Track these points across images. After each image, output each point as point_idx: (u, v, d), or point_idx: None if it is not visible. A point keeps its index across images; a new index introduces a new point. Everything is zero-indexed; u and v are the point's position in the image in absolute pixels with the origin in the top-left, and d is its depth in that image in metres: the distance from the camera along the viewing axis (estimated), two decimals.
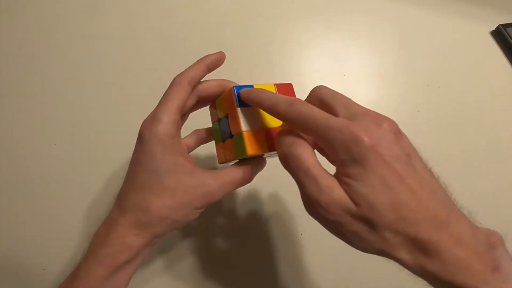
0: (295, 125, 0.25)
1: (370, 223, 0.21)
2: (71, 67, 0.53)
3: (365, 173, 0.21)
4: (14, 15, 0.57)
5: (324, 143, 0.23)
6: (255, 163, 0.31)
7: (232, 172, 0.29)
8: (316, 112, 0.23)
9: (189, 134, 0.35)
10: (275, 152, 0.28)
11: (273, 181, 0.45)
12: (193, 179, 0.28)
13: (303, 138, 0.25)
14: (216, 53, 0.31)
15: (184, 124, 0.34)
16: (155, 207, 0.27)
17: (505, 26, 0.60)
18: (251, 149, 0.27)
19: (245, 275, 0.40)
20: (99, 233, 0.28)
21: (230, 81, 0.32)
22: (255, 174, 0.31)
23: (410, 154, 0.22)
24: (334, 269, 0.40)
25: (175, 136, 0.28)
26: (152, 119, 0.28)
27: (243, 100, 0.28)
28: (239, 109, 0.28)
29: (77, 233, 0.41)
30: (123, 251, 0.27)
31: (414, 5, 0.62)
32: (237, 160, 0.31)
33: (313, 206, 0.23)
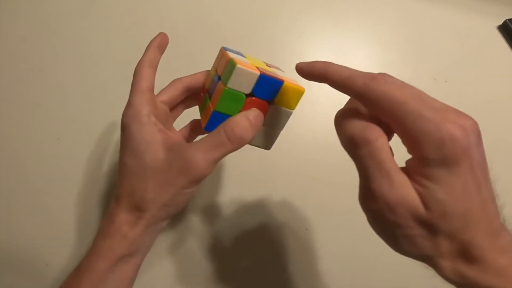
0: (374, 106, 0.21)
1: (433, 229, 0.19)
2: (74, 61, 0.52)
3: (450, 177, 0.19)
4: (16, 9, 0.57)
5: (408, 134, 0.20)
6: (244, 119, 0.26)
7: (212, 136, 0.26)
8: (407, 95, 0.20)
9: (186, 125, 0.35)
10: (272, 124, 0.28)
11: (276, 175, 0.44)
12: (171, 154, 0.26)
13: (375, 122, 0.21)
14: (157, 35, 0.32)
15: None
16: (139, 189, 0.26)
17: None
18: (240, 63, 0.25)
19: (250, 271, 0.40)
20: (101, 227, 0.28)
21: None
22: (247, 133, 0.26)
23: (485, 160, 0.21)
24: (340, 264, 0.40)
25: (150, 113, 0.27)
26: (126, 107, 0.28)
27: (301, 75, 0.25)
28: (227, 51, 0.28)
29: (81, 228, 0.41)
30: (120, 241, 0.26)
31: None
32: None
33: (376, 201, 0.20)
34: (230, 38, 0.56)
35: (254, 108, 0.27)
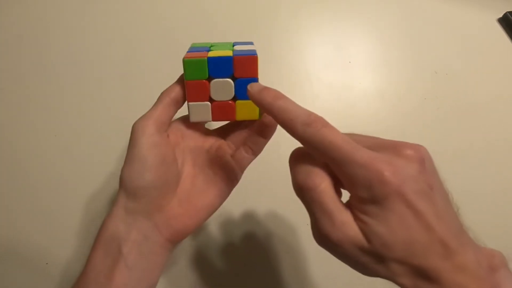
0: (313, 151, 0.23)
1: (379, 257, 0.21)
2: (71, 58, 0.52)
3: (384, 212, 0.20)
4: (14, 7, 0.56)
5: (343, 176, 0.22)
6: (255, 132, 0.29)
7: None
8: (339, 141, 0.21)
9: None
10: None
11: (273, 173, 0.44)
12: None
13: (320, 164, 0.23)
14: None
15: None
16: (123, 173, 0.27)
17: None
18: (194, 117, 0.29)
19: (248, 274, 0.39)
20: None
21: None
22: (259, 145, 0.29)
23: (432, 185, 0.21)
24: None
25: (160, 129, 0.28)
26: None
27: (251, 99, 0.25)
28: (186, 82, 0.28)
29: (78, 225, 0.40)
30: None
31: None
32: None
33: (323, 239, 0.22)
34: (228, 33, 0.55)
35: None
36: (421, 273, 0.20)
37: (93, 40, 0.54)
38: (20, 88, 0.49)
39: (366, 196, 0.20)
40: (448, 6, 0.60)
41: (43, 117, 0.47)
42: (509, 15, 0.59)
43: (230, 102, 0.29)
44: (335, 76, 0.52)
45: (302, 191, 0.23)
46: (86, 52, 0.53)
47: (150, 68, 0.51)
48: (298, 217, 0.41)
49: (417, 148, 0.22)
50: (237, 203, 0.42)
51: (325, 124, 0.22)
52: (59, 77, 0.50)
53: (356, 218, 0.21)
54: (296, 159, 0.24)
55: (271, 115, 0.24)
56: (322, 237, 0.22)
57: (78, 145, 0.45)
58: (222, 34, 0.55)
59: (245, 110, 0.29)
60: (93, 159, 0.44)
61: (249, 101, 0.27)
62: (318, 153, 0.22)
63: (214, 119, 0.29)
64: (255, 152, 0.30)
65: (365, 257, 0.21)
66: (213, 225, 0.41)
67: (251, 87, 0.25)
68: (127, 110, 0.47)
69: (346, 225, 0.21)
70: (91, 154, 0.45)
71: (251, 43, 0.31)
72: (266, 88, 0.25)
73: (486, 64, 0.55)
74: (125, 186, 0.26)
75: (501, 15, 0.60)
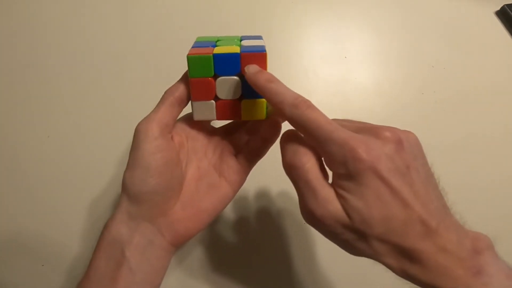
0: (299, 130, 0.25)
1: (360, 234, 0.22)
2: (64, 59, 0.52)
3: (360, 188, 0.21)
4: (5, 6, 0.56)
5: (323, 154, 0.23)
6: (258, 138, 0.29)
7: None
8: (321, 121, 0.23)
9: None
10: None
11: (271, 167, 0.44)
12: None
13: (308, 144, 0.24)
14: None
15: None
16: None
17: (510, 6, 0.59)
18: (197, 115, 0.27)
19: (255, 266, 0.39)
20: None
21: None
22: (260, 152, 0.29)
23: (409, 165, 0.22)
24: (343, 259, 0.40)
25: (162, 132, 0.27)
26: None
27: (249, 81, 0.26)
28: (190, 79, 0.27)
29: (72, 226, 0.40)
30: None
31: None
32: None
33: (309, 215, 0.23)
34: (226, 27, 0.55)
35: None
36: (404, 252, 0.21)
37: (88, 38, 0.53)
38: (13, 89, 0.49)
39: (343, 172, 0.22)
40: None
41: (36, 118, 0.47)
42: (506, 8, 0.59)
43: (236, 101, 0.28)
44: (331, 70, 0.52)
45: (290, 169, 0.24)
46: (82, 51, 0.52)
47: (150, 65, 0.50)
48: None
49: (395, 130, 0.23)
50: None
51: (310, 105, 0.24)
52: (52, 78, 0.50)
53: (338, 195, 0.22)
54: (286, 139, 0.26)
55: (264, 97, 0.26)
56: (307, 214, 0.23)
57: (71, 146, 0.45)
58: (219, 29, 0.54)
59: (252, 110, 0.28)
60: (87, 161, 0.44)
61: (256, 100, 0.27)
62: (303, 133, 0.24)
63: (218, 118, 0.28)
64: (260, 154, 0.30)
65: (348, 234, 0.22)
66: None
67: (248, 68, 0.26)
68: (126, 110, 0.47)
69: (328, 201, 0.22)
70: (84, 155, 0.44)
71: (260, 38, 0.30)
72: (260, 70, 0.26)
73: (484, 57, 0.55)
74: (128, 191, 0.26)
75: (498, 8, 0.60)
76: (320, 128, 0.23)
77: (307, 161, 0.24)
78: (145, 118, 0.27)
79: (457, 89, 0.51)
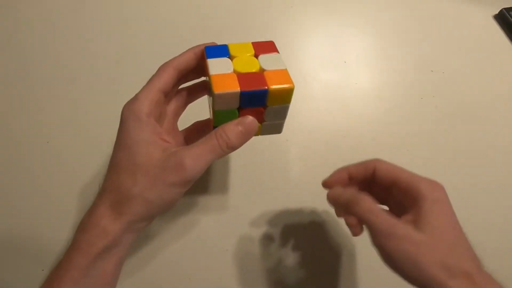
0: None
1: None
2: (62, 64, 0.52)
3: None
4: (4, 10, 0.56)
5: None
6: (238, 125, 0.28)
7: (205, 140, 0.27)
8: (380, 220, 0.26)
9: (189, 126, 0.35)
10: (273, 117, 0.28)
11: (272, 172, 0.44)
12: (165, 154, 0.27)
13: None
14: (206, 43, 0.31)
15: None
16: (126, 184, 0.26)
17: (508, 9, 0.60)
18: (217, 87, 0.26)
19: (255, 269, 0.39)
20: (82, 220, 0.27)
21: (201, 45, 0.31)
22: (239, 139, 0.28)
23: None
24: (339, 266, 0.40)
25: (151, 114, 0.28)
26: (132, 99, 0.29)
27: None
28: (208, 60, 0.28)
29: (72, 231, 0.40)
30: (100, 236, 0.26)
31: None
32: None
33: None
34: (223, 30, 0.55)
35: (248, 116, 0.28)
36: None
37: (87, 43, 0.53)
38: (12, 94, 0.49)
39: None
40: (443, 3, 0.60)
41: (35, 124, 0.47)
42: (505, 11, 0.60)
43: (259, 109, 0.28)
44: (330, 76, 0.52)
45: None
46: (81, 57, 0.52)
47: (151, 70, 0.50)
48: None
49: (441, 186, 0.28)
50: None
51: (366, 205, 0.27)
52: (51, 84, 0.50)
53: None
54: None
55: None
56: None
57: (70, 151, 0.45)
58: (218, 34, 0.54)
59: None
60: (86, 166, 0.44)
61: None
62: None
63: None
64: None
65: None
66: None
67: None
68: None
69: None
70: (83, 160, 0.44)
71: (276, 53, 0.30)
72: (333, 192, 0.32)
73: (483, 62, 0.55)
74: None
75: (497, 12, 0.60)
76: (380, 226, 0.26)
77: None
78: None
79: (457, 93, 0.51)
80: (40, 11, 0.56)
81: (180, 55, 0.31)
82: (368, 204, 0.27)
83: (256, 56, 0.29)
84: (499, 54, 0.56)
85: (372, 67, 0.53)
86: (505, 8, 0.60)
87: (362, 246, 0.40)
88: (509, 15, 0.59)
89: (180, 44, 0.52)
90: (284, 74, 0.28)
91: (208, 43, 0.31)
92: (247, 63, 0.28)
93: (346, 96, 0.50)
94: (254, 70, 0.28)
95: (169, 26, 0.55)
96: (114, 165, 0.28)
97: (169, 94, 0.31)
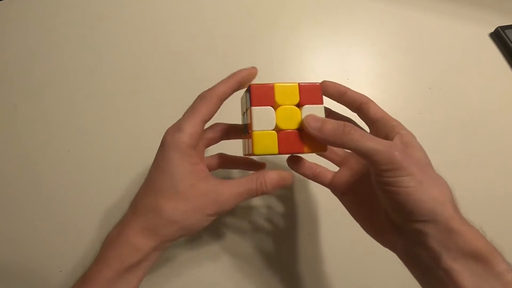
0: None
1: None
2: (83, 75, 0.54)
3: None
4: (26, 25, 0.58)
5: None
6: (275, 176, 0.31)
7: (245, 182, 0.30)
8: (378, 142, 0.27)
9: (212, 155, 0.37)
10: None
11: None
12: (206, 185, 0.29)
13: None
14: (247, 68, 0.32)
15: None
16: (167, 210, 0.27)
17: (504, 28, 0.61)
18: (258, 149, 0.28)
19: (253, 274, 0.41)
20: (110, 236, 0.29)
21: (242, 71, 0.32)
22: (272, 189, 0.30)
23: None
24: (344, 266, 0.42)
25: (194, 146, 0.29)
26: (175, 128, 0.29)
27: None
28: (252, 108, 0.29)
29: (91, 236, 0.42)
30: (131, 253, 0.27)
31: (414, 8, 0.63)
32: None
33: None
34: (231, 48, 0.57)
35: (286, 172, 0.31)
36: None
37: (104, 58, 0.56)
38: (34, 104, 0.51)
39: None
40: (440, 22, 0.62)
41: (56, 133, 0.49)
42: (500, 30, 0.61)
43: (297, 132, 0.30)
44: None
45: None
46: (99, 69, 0.55)
47: (161, 84, 0.53)
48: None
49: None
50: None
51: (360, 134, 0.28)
52: (72, 94, 0.52)
53: None
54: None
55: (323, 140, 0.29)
56: None
57: (90, 160, 0.47)
58: (222, 51, 0.57)
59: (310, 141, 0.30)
60: (106, 174, 0.46)
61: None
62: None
63: (281, 151, 0.29)
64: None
65: None
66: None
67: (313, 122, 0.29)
68: (139, 125, 0.49)
69: None
70: (103, 168, 0.47)
71: (320, 104, 0.31)
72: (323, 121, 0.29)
73: (479, 79, 0.57)
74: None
75: (492, 30, 0.62)
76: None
77: None
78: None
79: (453, 110, 0.54)
80: (62, 25, 0.58)
81: (223, 83, 0.31)
82: (358, 131, 0.27)
83: (300, 105, 0.30)
84: (495, 71, 0.58)
85: (373, 84, 0.56)
86: (500, 27, 0.61)
87: (363, 247, 0.42)
88: (505, 33, 0.60)
89: (191, 61, 0.55)
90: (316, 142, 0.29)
91: (249, 70, 0.32)
92: (290, 117, 0.29)
93: (349, 112, 0.52)
94: (294, 128, 0.29)
95: (183, 44, 0.58)
96: (154, 188, 0.29)
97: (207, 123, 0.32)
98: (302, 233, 0.44)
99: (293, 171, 0.35)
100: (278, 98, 0.29)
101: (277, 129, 0.29)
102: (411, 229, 0.26)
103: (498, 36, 0.61)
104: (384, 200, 0.28)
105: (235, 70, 0.32)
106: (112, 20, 0.60)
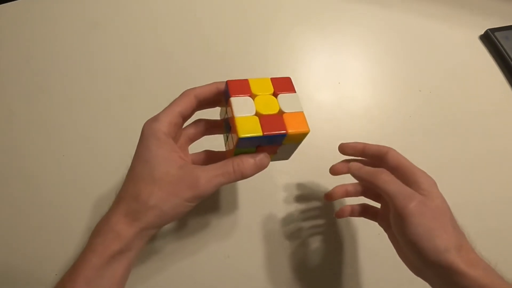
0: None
1: None
2: (77, 80, 0.54)
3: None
4: (20, 31, 0.59)
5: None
6: (253, 158, 0.31)
7: (222, 165, 0.30)
8: (401, 187, 0.32)
9: (199, 152, 0.37)
10: (285, 151, 0.31)
11: (274, 181, 0.47)
12: (182, 170, 0.29)
13: None
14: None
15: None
16: (144, 195, 0.28)
17: (493, 30, 0.62)
18: (242, 131, 0.28)
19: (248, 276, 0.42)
20: (97, 225, 0.30)
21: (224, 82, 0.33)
22: (252, 170, 0.31)
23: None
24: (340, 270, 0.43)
25: (170, 134, 0.31)
26: (153, 118, 0.31)
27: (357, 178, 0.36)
28: (231, 98, 0.30)
29: (87, 239, 0.42)
30: (114, 239, 0.28)
31: (405, 12, 0.64)
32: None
33: None
34: (224, 53, 0.58)
35: (263, 153, 0.31)
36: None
37: (97, 63, 0.56)
38: (29, 110, 0.51)
39: None
40: (430, 25, 0.63)
41: (51, 138, 0.49)
42: (490, 32, 0.62)
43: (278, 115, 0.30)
44: (325, 96, 0.55)
45: None
46: (92, 75, 0.55)
47: (153, 89, 0.53)
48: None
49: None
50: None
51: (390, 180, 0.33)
52: (66, 99, 0.52)
53: None
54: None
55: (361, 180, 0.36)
56: None
57: (84, 164, 0.47)
58: (220, 57, 0.57)
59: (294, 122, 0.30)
60: (100, 178, 0.46)
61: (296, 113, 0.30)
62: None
63: (265, 131, 0.29)
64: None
65: None
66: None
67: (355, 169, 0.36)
68: (132, 130, 0.49)
69: None
70: (97, 172, 0.47)
71: (293, 92, 0.31)
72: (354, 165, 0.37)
73: (469, 81, 0.58)
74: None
75: (482, 32, 0.63)
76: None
77: None
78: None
79: (443, 112, 0.54)
80: (55, 32, 0.58)
81: (204, 86, 0.33)
82: (389, 175, 0.33)
83: (275, 94, 0.31)
84: (485, 73, 0.59)
85: (364, 87, 0.56)
86: (490, 29, 0.62)
87: (365, 247, 0.43)
88: (494, 35, 0.61)
89: (183, 64, 0.55)
90: (301, 118, 0.30)
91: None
92: (268, 104, 0.30)
93: (339, 116, 0.53)
94: (274, 112, 0.30)
95: (175, 47, 0.58)
96: (133, 177, 0.30)
97: (186, 118, 0.34)
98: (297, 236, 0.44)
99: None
100: (254, 89, 0.30)
101: (258, 114, 0.29)
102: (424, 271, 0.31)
103: (488, 38, 0.62)
104: (400, 240, 0.31)
105: (227, 72, 0.33)
106: (105, 25, 0.60)
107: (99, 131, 0.50)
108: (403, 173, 0.33)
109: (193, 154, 0.37)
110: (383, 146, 0.36)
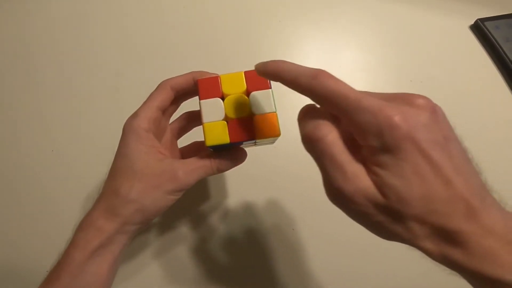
0: (321, 102, 0.22)
1: (396, 214, 0.20)
2: (66, 75, 0.54)
3: (398, 162, 0.19)
4: (9, 23, 0.58)
5: (352, 125, 0.21)
6: (230, 154, 0.31)
7: (200, 159, 0.30)
8: (344, 89, 0.21)
9: (187, 144, 0.37)
10: (251, 142, 0.29)
11: (264, 177, 0.47)
12: (161, 164, 0.30)
13: (329, 117, 0.22)
14: (210, 73, 0.32)
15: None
16: (124, 189, 0.29)
17: (483, 20, 0.62)
18: (209, 140, 0.29)
19: (238, 272, 0.42)
20: (81, 221, 0.30)
21: (201, 72, 0.32)
22: (228, 165, 0.31)
23: (447, 136, 0.21)
24: (327, 263, 0.43)
25: (150, 130, 0.31)
26: (132, 115, 0.32)
27: (259, 74, 0.26)
28: (200, 102, 0.29)
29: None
30: (95, 234, 0.28)
31: (395, 1, 0.63)
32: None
33: (336, 194, 0.21)
34: (212, 44, 0.57)
35: (240, 148, 0.32)
36: (445, 235, 0.19)
37: (88, 57, 0.55)
38: (17, 104, 0.51)
39: (377, 144, 0.20)
40: (421, 14, 0.63)
41: (40, 133, 0.49)
42: (479, 22, 0.62)
43: (247, 119, 0.29)
44: None
45: (311, 143, 0.22)
46: (82, 68, 0.54)
47: (145, 82, 0.51)
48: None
49: (427, 98, 0.21)
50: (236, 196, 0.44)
51: (329, 76, 0.22)
52: (55, 94, 0.52)
53: (369, 171, 0.20)
54: (305, 114, 0.24)
55: (278, 79, 0.24)
56: (334, 192, 0.21)
57: (74, 160, 0.47)
58: (208, 48, 0.57)
59: (264, 126, 0.29)
60: (89, 173, 0.46)
61: (267, 115, 0.28)
62: (326, 104, 0.22)
63: (232, 140, 0.29)
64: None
65: (381, 216, 0.20)
66: (213, 218, 0.43)
67: (259, 66, 0.26)
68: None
69: (358, 177, 0.20)
70: (87, 168, 0.47)
71: (267, 89, 0.29)
72: (268, 62, 0.25)
73: (459, 71, 0.58)
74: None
75: (472, 22, 0.62)
76: (347, 97, 0.21)
77: (328, 132, 0.22)
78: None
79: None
80: (45, 24, 0.58)
81: (180, 76, 0.33)
82: (329, 74, 0.23)
83: (248, 92, 0.30)
84: (475, 63, 0.59)
85: (356, 78, 0.56)
86: (480, 19, 0.62)
87: (367, 248, 0.43)
88: (484, 25, 0.61)
89: (174, 57, 0.55)
90: (272, 120, 0.28)
91: (202, 72, 0.32)
92: (238, 105, 0.29)
93: None
94: (244, 115, 0.29)
95: (165, 40, 0.57)
96: (113, 172, 0.30)
97: (167, 110, 0.34)
98: (287, 229, 0.44)
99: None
100: (225, 88, 0.30)
101: (227, 118, 0.29)
102: None
103: (478, 28, 0.62)
104: None
105: (221, 66, 0.33)
106: (96, 17, 0.59)
107: (89, 126, 0.50)
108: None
109: (183, 147, 0.37)
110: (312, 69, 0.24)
